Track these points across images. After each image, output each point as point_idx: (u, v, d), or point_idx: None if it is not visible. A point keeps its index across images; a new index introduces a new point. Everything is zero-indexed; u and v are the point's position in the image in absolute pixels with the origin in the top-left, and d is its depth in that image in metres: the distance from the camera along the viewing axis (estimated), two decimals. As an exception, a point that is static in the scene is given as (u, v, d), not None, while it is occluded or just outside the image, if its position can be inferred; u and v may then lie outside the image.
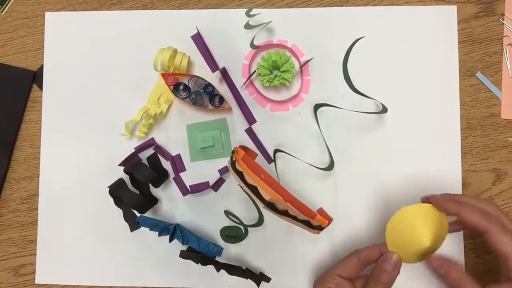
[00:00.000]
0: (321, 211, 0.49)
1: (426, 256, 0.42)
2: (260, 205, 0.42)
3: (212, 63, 0.51)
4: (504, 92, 0.51)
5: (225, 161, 0.51)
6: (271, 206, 0.41)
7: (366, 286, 0.41)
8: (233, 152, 0.44)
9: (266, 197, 0.40)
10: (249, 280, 0.48)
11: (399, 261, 0.41)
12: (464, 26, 0.51)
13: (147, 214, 0.50)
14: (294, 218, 0.42)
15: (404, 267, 0.42)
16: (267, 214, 0.50)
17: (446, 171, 0.50)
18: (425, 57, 0.51)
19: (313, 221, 0.43)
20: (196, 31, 0.51)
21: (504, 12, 0.51)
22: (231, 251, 0.51)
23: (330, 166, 0.49)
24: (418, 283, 0.50)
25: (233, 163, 0.43)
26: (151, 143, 0.51)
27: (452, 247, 0.50)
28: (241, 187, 0.44)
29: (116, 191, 0.48)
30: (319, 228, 0.44)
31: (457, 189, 0.50)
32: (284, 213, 0.42)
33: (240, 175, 0.42)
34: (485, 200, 0.44)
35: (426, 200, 0.43)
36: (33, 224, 0.53)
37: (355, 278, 0.44)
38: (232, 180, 0.51)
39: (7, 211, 0.53)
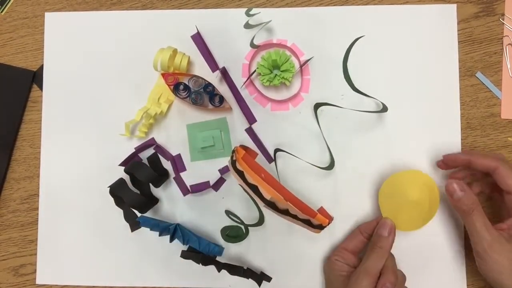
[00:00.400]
0: (321, 210, 0.49)
1: (420, 221, 0.46)
2: (261, 204, 0.42)
3: (212, 63, 0.51)
4: (504, 92, 0.51)
5: (225, 161, 0.51)
6: (271, 205, 0.41)
7: (367, 253, 0.45)
8: (233, 151, 0.45)
9: (267, 196, 0.40)
10: (250, 279, 0.49)
11: (393, 226, 0.45)
12: (464, 26, 0.51)
13: (148, 214, 0.50)
14: (295, 217, 0.42)
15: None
16: (268, 213, 0.50)
17: (447, 170, 0.50)
18: (425, 56, 0.51)
19: (313, 220, 0.43)
20: (196, 31, 0.51)
21: (504, 12, 0.51)
22: (232, 251, 0.51)
23: (331, 166, 0.49)
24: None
25: (233, 162, 0.43)
26: (151, 143, 0.51)
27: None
28: (242, 186, 0.44)
29: (117, 190, 0.48)
30: (320, 227, 0.44)
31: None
32: (284, 212, 0.42)
33: (240, 174, 0.42)
34: (494, 153, 0.48)
35: (442, 164, 0.48)
36: (33, 224, 0.53)
37: (360, 252, 0.47)
38: (232, 180, 0.51)
39: (7, 211, 0.53)
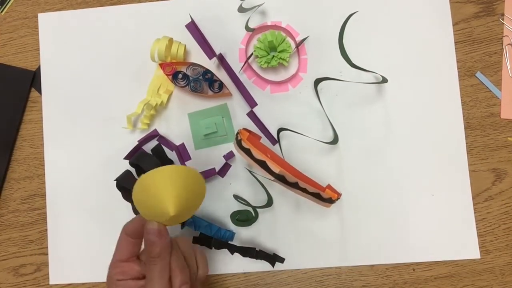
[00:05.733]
0: (329, 187, 0.49)
1: (183, 216, 0.39)
2: (270, 178, 0.43)
3: (208, 50, 0.51)
4: (504, 92, 0.51)
5: (229, 147, 0.52)
6: (281, 179, 0.42)
7: (147, 267, 0.37)
8: (237, 133, 0.45)
9: (276, 170, 0.41)
10: (263, 262, 0.49)
11: (161, 228, 0.37)
12: (464, 26, 0.52)
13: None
14: (304, 190, 0.43)
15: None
16: (276, 194, 0.51)
17: (449, 143, 0.51)
18: (419, 27, 0.52)
19: (323, 193, 0.44)
20: (190, 20, 0.51)
21: (504, 12, 0.52)
22: (243, 235, 0.51)
23: (335, 140, 0.50)
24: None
25: (238, 142, 0.44)
26: (154, 134, 0.52)
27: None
28: (248, 169, 0.45)
29: (124, 182, 0.48)
30: (330, 201, 0.45)
31: (463, 156, 0.51)
32: (294, 186, 0.43)
33: (247, 152, 0.43)
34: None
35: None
36: (33, 224, 0.53)
37: (139, 253, 0.40)
38: (238, 165, 0.52)
39: (7, 211, 0.53)
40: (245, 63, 0.52)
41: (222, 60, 0.52)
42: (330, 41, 0.52)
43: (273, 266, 0.50)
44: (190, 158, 0.52)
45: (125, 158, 0.51)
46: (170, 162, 0.52)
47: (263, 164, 0.42)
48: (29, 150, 0.54)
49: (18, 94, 0.54)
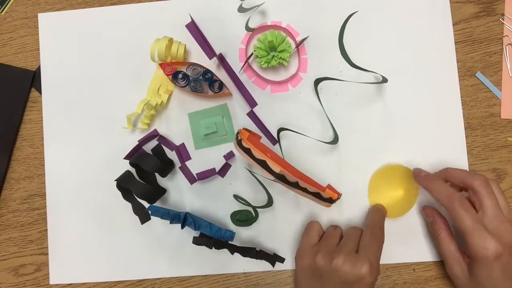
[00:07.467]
0: (329, 187, 0.49)
1: (402, 210, 0.51)
2: (271, 178, 0.43)
3: (208, 50, 0.51)
4: (504, 92, 0.51)
5: (229, 147, 0.52)
6: (281, 178, 0.42)
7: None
8: (238, 133, 0.46)
9: (276, 169, 0.41)
10: (263, 262, 0.49)
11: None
12: (464, 26, 0.52)
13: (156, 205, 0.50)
14: (305, 190, 0.43)
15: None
16: (276, 194, 0.51)
17: (449, 143, 0.51)
18: (419, 27, 0.52)
19: (323, 193, 0.44)
20: (190, 20, 0.51)
21: (504, 12, 0.52)
22: (243, 235, 0.52)
23: (335, 140, 0.50)
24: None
25: (239, 141, 0.44)
26: (154, 134, 0.52)
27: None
28: (248, 170, 0.45)
29: (124, 183, 0.48)
30: (330, 201, 0.45)
31: (463, 156, 0.51)
32: (294, 185, 0.43)
33: (247, 151, 0.43)
34: (473, 175, 0.45)
35: (417, 172, 0.49)
36: (33, 224, 0.53)
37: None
38: (238, 165, 0.52)
39: (7, 211, 0.53)
40: (245, 63, 0.52)
41: (222, 60, 0.52)
42: (330, 41, 0.52)
43: (273, 266, 0.50)
44: (190, 158, 0.52)
45: (125, 158, 0.51)
46: (171, 162, 0.52)
47: (263, 164, 0.42)
48: (29, 150, 0.54)
49: (18, 94, 0.54)
